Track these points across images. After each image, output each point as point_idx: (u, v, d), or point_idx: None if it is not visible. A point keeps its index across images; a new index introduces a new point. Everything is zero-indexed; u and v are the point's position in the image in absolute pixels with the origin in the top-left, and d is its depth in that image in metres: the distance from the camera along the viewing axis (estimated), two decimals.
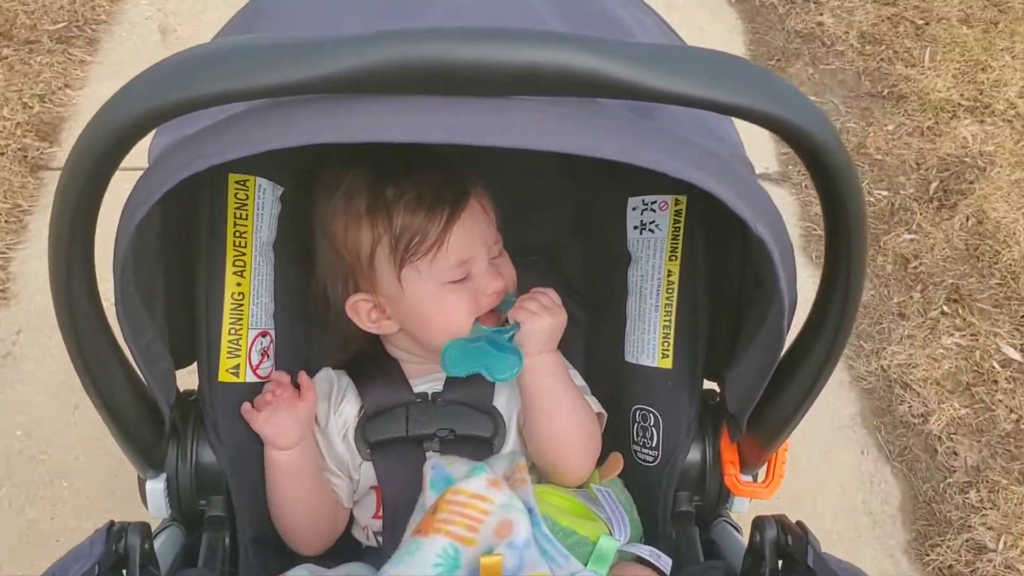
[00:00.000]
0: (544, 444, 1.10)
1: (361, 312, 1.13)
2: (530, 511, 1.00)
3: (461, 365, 1.07)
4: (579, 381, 1.18)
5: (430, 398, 1.13)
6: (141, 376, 0.94)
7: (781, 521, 0.99)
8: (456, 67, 0.65)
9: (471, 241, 1.07)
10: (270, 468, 1.09)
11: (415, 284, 1.07)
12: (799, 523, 0.97)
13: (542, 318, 1.06)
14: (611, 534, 1.04)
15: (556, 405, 1.08)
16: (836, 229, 0.80)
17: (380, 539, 1.12)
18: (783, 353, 0.92)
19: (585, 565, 0.98)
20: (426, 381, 1.15)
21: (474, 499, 0.96)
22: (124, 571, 0.93)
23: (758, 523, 1.00)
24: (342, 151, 1.09)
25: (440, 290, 1.07)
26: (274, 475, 1.09)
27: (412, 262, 1.06)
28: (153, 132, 0.89)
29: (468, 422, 1.12)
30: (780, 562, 0.99)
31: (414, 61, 0.65)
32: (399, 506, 1.08)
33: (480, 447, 1.10)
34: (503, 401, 1.14)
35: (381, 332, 1.14)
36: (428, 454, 1.08)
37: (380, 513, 1.12)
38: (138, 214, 0.74)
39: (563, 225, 1.28)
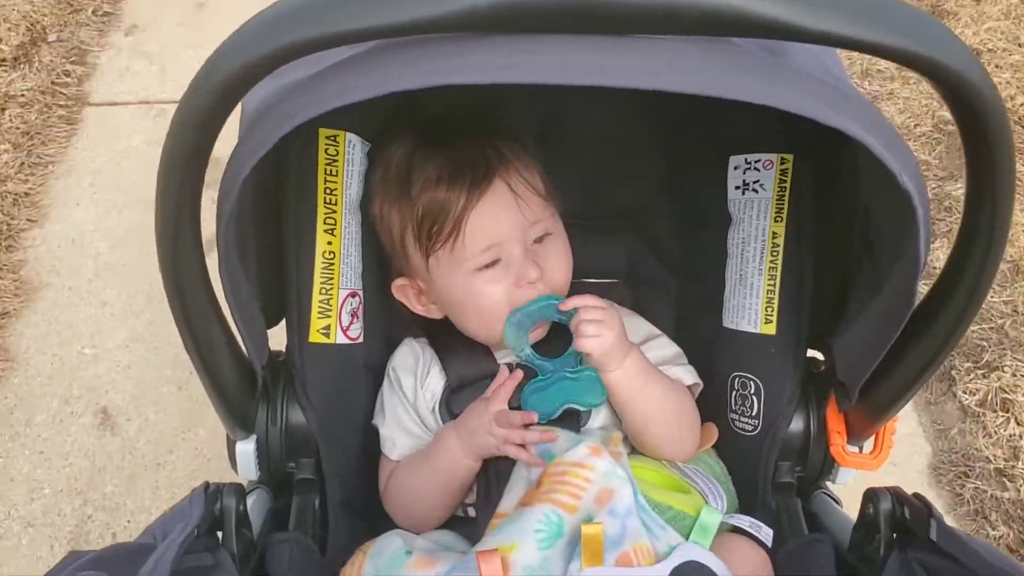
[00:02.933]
0: (645, 439, 1.06)
1: (408, 295, 1.11)
2: (631, 482, 0.97)
3: (547, 406, 1.03)
4: (672, 349, 1.14)
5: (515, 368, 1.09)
6: (237, 335, 0.92)
7: (896, 493, 0.95)
8: (595, 3, 0.61)
9: (494, 225, 1.00)
10: (456, 475, 1.04)
11: (441, 272, 1.04)
12: (917, 495, 0.93)
13: (604, 336, 0.99)
14: (709, 505, 1.00)
15: (648, 405, 1.04)
16: (981, 180, 0.75)
17: (469, 510, 1.09)
18: None
19: (685, 538, 0.95)
20: (510, 352, 1.11)
21: (576, 467, 0.94)
22: (219, 533, 0.92)
23: (871, 495, 0.95)
24: (409, 114, 1.06)
25: (468, 279, 1.03)
26: (454, 479, 1.04)
27: (435, 251, 1.02)
28: None
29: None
30: (894, 536, 0.94)
31: None
32: (492, 476, 1.05)
33: (569, 418, 1.06)
34: None
35: (430, 316, 1.11)
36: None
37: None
38: (249, 163, 0.71)
39: (653, 186, 1.24)
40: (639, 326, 1.16)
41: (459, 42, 0.65)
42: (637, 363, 1.02)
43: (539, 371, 1.04)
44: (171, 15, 3.13)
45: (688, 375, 1.11)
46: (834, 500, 1.13)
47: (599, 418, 1.08)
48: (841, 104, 0.69)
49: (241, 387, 0.97)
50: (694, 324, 1.20)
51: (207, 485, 0.91)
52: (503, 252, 1.02)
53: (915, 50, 0.65)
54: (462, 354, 1.12)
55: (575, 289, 1.14)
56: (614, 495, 0.92)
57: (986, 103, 0.69)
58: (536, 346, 1.06)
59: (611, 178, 1.24)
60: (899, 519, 0.93)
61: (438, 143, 1.02)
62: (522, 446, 0.99)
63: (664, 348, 1.14)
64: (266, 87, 0.80)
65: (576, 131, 1.21)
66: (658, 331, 1.17)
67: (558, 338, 1.05)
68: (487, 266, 1.02)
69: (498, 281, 1.03)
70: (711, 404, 1.13)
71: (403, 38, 0.66)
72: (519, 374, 1.04)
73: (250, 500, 1.06)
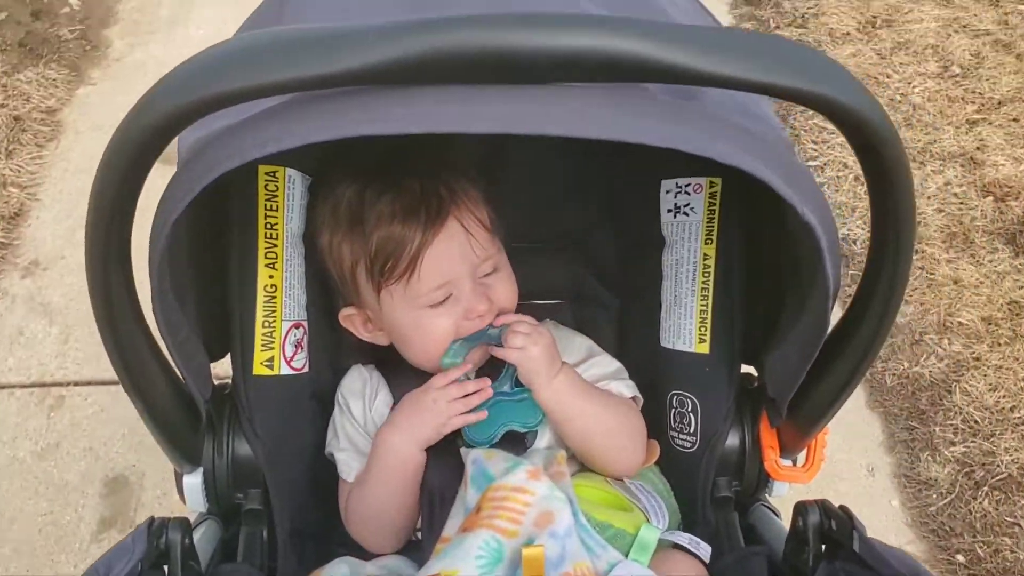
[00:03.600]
0: (591, 455, 1.09)
1: (355, 323, 1.13)
2: (570, 502, 0.99)
3: (487, 430, 1.06)
4: (613, 365, 1.17)
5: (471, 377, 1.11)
6: (177, 371, 0.94)
7: (824, 505, 0.98)
8: (499, 54, 0.63)
9: (448, 263, 1.03)
10: (406, 471, 1.06)
11: (393, 306, 1.06)
12: (843, 507, 0.96)
13: (529, 349, 1.02)
14: (649, 523, 1.03)
15: (586, 422, 1.06)
16: (883, 212, 0.78)
17: (419, 534, 1.11)
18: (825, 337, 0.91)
19: (625, 556, 0.98)
20: None
21: (515, 492, 0.96)
22: (165, 567, 0.93)
23: (800, 508, 0.99)
24: (348, 150, 1.08)
25: (418, 314, 1.05)
26: (405, 477, 1.06)
27: (387, 285, 1.04)
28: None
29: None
30: (823, 547, 0.98)
31: (456, 49, 0.63)
32: (435, 500, 1.07)
33: (513, 440, 1.09)
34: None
35: (377, 343, 1.13)
36: (462, 450, 1.06)
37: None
38: (177, 209, 0.73)
39: (593, 211, 1.27)
40: (580, 343, 1.19)
41: (377, 95, 0.68)
42: (568, 381, 1.05)
43: (445, 354, 1.07)
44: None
45: (627, 389, 1.14)
46: (773, 511, 1.16)
47: (544, 439, 1.10)
48: (744, 144, 0.72)
49: (184, 421, 0.99)
50: (634, 343, 1.23)
51: (151, 520, 0.92)
52: (454, 288, 1.05)
53: (809, 89, 0.68)
54: (409, 376, 1.13)
55: (522, 310, 1.17)
56: (554, 517, 0.95)
57: (882, 137, 0.72)
58: (476, 373, 1.08)
59: (554, 203, 1.27)
60: (826, 531, 0.97)
61: (387, 180, 1.04)
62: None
63: (605, 365, 1.16)
64: (196, 133, 0.82)
65: (520, 159, 1.24)
66: (599, 349, 1.19)
67: (496, 366, 1.08)
68: (439, 303, 1.05)
69: (448, 315, 1.06)
70: (652, 422, 1.16)
71: (323, 91, 0.69)
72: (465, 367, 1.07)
73: (199, 531, 1.07)
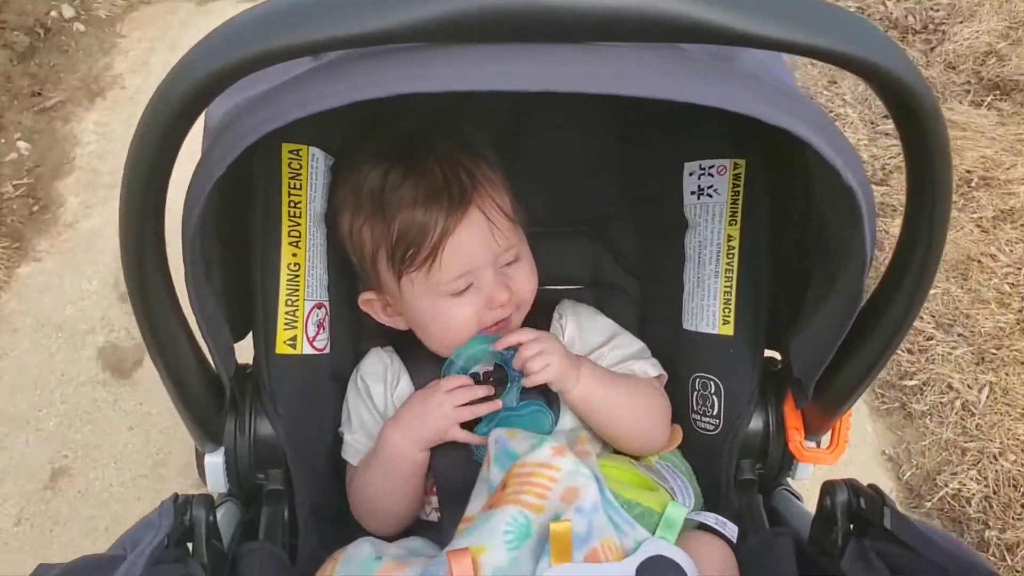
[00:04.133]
0: (618, 439, 1.10)
1: (375, 307, 1.13)
2: (596, 480, 0.99)
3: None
4: (636, 344, 1.18)
5: (481, 377, 1.11)
6: (204, 347, 0.93)
7: (852, 484, 0.98)
8: (540, 13, 0.63)
9: (469, 253, 1.03)
10: (404, 467, 1.06)
11: (413, 294, 1.06)
12: (872, 486, 0.96)
13: (552, 364, 1.02)
14: (676, 501, 1.02)
15: (612, 411, 1.07)
16: (920, 181, 0.78)
17: (434, 514, 1.11)
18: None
19: (652, 534, 0.97)
20: None
21: (541, 468, 0.95)
22: (189, 544, 0.93)
23: (828, 487, 0.98)
24: (371, 130, 1.08)
25: (438, 302, 1.05)
26: (404, 473, 1.06)
27: (408, 273, 1.04)
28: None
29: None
30: (851, 526, 0.97)
31: (499, 7, 0.63)
32: (453, 482, 1.07)
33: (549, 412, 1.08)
34: None
35: (396, 327, 1.14)
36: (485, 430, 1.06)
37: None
38: (215, 174, 0.72)
39: (613, 195, 1.26)
40: (603, 324, 1.19)
41: (416, 53, 0.67)
42: (592, 375, 1.05)
43: (469, 344, 1.07)
44: None
45: (652, 368, 1.14)
46: (795, 496, 1.16)
47: (567, 420, 1.10)
48: (787, 105, 0.72)
49: (208, 399, 0.98)
50: (655, 327, 1.23)
51: (176, 497, 0.92)
52: (475, 277, 1.05)
53: (852, 52, 0.68)
54: (428, 362, 1.13)
55: (541, 296, 1.17)
56: (580, 493, 0.94)
57: (921, 102, 0.72)
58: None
59: (573, 187, 1.27)
60: (855, 510, 0.96)
61: (410, 163, 1.04)
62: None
63: (628, 345, 1.17)
64: (227, 102, 0.82)
65: (538, 142, 1.24)
66: (621, 328, 1.20)
67: (501, 380, 1.08)
68: (461, 292, 1.05)
69: (469, 304, 1.06)
70: (674, 405, 1.16)
71: (362, 49, 0.68)
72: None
73: (220, 512, 1.06)
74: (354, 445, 1.12)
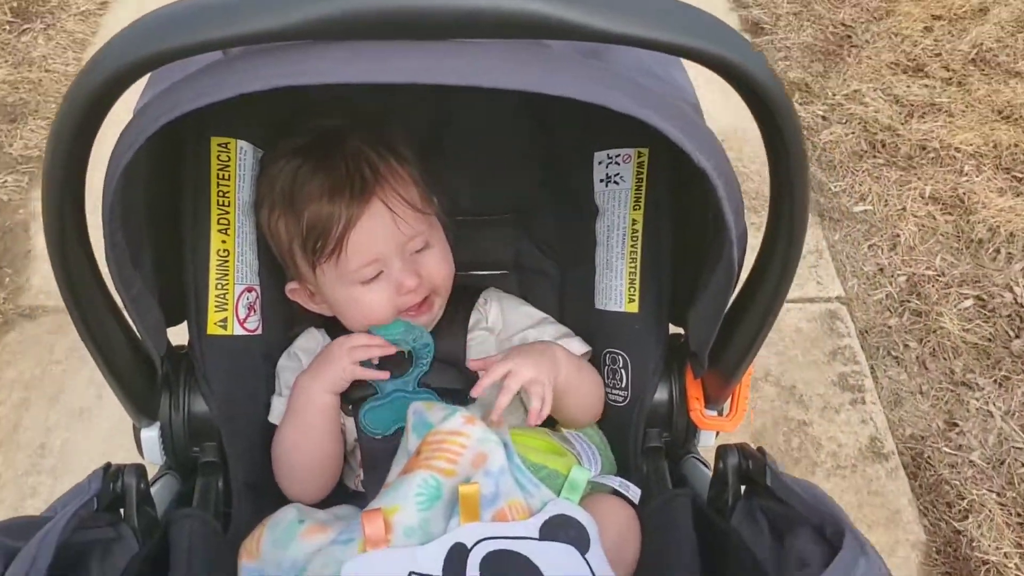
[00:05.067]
0: (575, 418, 1.19)
1: (301, 296, 1.19)
2: (505, 445, 1.06)
3: (384, 425, 1.14)
4: (560, 328, 1.25)
5: (406, 355, 1.17)
6: (134, 327, 1.00)
7: (742, 448, 1.05)
8: (406, 12, 0.70)
9: (373, 242, 1.08)
10: (311, 411, 1.12)
11: (328, 281, 1.12)
12: (759, 448, 1.03)
13: (534, 377, 1.07)
14: (581, 465, 1.10)
15: (579, 396, 1.16)
16: (778, 163, 0.85)
17: (360, 485, 1.18)
18: (737, 288, 0.98)
19: (558, 495, 1.04)
20: None
21: (452, 435, 1.03)
22: (122, 510, 0.99)
23: (721, 451, 1.06)
24: (292, 125, 1.15)
25: (351, 290, 1.11)
26: (314, 418, 1.13)
27: (320, 264, 1.10)
28: (141, 92, 0.96)
29: (442, 376, 1.18)
30: (743, 488, 1.05)
31: (367, 7, 0.70)
32: (378, 454, 1.14)
33: (455, 398, 1.15)
34: (473, 356, 1.20)
35: (324, 314, 1.20)
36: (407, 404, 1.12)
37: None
38: (123, 160, 0.79)
39: (535, 182, 1.33)
40: (528, 312, 1.26)
41: (301, 49, 0.74)
42: (567, 368, 1.12)
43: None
44: None
45: (580, 345, 1.22)
46: (703, 463, 1.23)
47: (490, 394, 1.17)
48: (642, 97, 0.79)
49: (141, 377, 1.05)
50: (573, 308, 1.30)
51: (108, 465, 0.98)
52: (384, 265, 1.11)
53: (698, 46, 0.75)
54: None
55: (467, 281, 1.24)
56: (487, 458, 1.01)
57: (770, 94, 0.79)
58: (383, 360, 1.15)
59: (496, 177, 1.33)
60: (745, 471, 1.04)
61: (318, 159, 1.10)
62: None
63: (555, 327, 1.25)
64: (152, 90, 0.89)
65: (461, 135, 1.30)
66: (544, 314, 1.27)
67: (401, 365, 1.16)
68: (371, 279, 1.11)
69: (381, 290, 1.12)
70: None
71: (254, 47, 0.75)
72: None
73: (158, 485, 1.13)
74: (278, 407, 1.19)
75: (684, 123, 0.80)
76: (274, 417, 1.18)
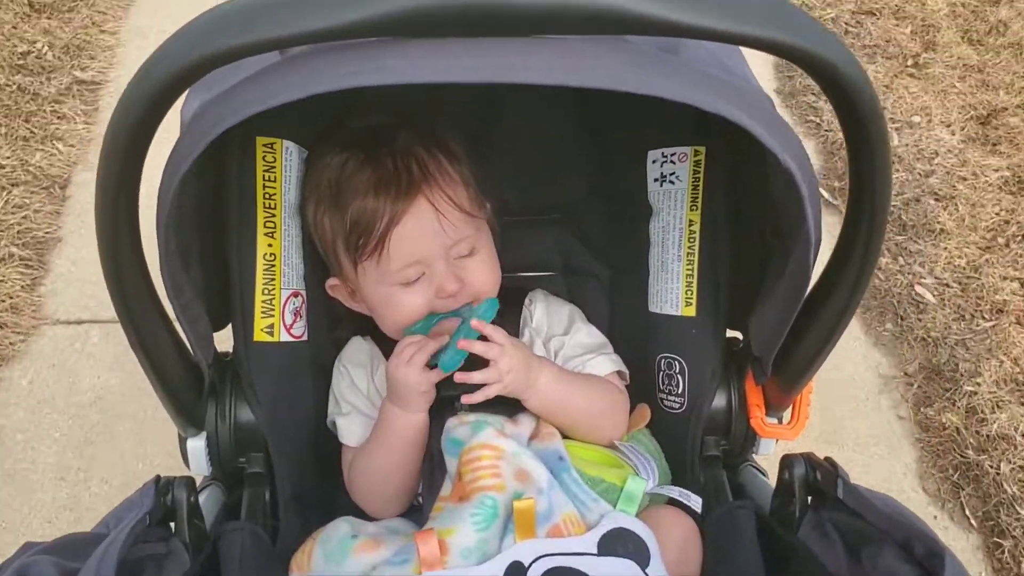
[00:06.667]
0: (572, 433, 1.11)
1: (342, 293, 1.16)
2: (560, 459, 1.03)
3: (451, 359, 1.05)
4: (596, 338, 1.20)
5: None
6: (182, 335, 0.97)
7: (809, 458, 1.01)
8: (486, 7, 0.67)
9: (416, 243, 1.04)
10: (397, 432, 1.08)
11: (368, 280, 1.08)
12: (828, 459, 1.00)
13: (497, 382, 1.03)
14: (637, 476, 1.06)
15: (570, 411, 1.09)
16: (860, 162, 0.82)
17: (420, 498, 1.14)
18: (807, 293, 0.94)
19: (614, 508, 1.01)
20: None
21: (483, 448, 1.00)
22: (172, 524, 0.96)
23: (786, 461, 1.02)
24: (342, 123, 1.11)
25: (390, 290, 1.08)
26: (399, 439, 1.08)
27: (362, 261, 1.07)
28: (185, 97, 0.93)
29: None
30: (810, 498, 1.01)
31: (446, 4, 0.67)
32: (435, 464, 1.10)
33: (508, 402, 1.11)
34: None
35: (364, 312, 1.16)
36: (458, 413, 1.09)
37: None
38: (182, 166, 0.76)
39: (583, 183, 1.30)
40: (566, 313, 1.22)
41: (371, 48, 0.71)
42: (550, 386, 1.07)
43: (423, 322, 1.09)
44: None
45: (610, 364, 1.17)
46: (760, 471, 1.20)
47: None
48: (725, 93, 0.76)
49: (188, 386, 1.02)
50: (625, 311, 1.27)
51: (158, 478, 0.95)
52: (427, 268, 1.07)
53: (794, 43, 0.72)
54: None
55: (515, 283, 1.21)
56: (531, 474, 0.98)
57: (860, 93, 0.76)
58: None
59: (545, 176, 1.31)
60: (811, 482, 1.00)
61: (366, 155, 1.07)
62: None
63: (587, 336, 1.19)
64: (202, 96, 0.86)
65: (511, 133, 1.27)
66: (583, 319, 1.23)
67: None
68: (413, 281, 1.07)
69: (420, 293, 1.07)
70: (643, 385, 1.20)
71: (322, 44, 0.72)
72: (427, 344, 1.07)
73: (203, 496, 1.10)
74: (349, 427, 1.15)
75: (770, 121, 0.77)
76: (349, 439, 1.15)
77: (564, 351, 1.17)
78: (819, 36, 0.73)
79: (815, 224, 0.84)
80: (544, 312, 1.21)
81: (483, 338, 1.04)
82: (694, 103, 0.72)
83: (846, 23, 3.10)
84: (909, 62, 2.97)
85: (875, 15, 3.15)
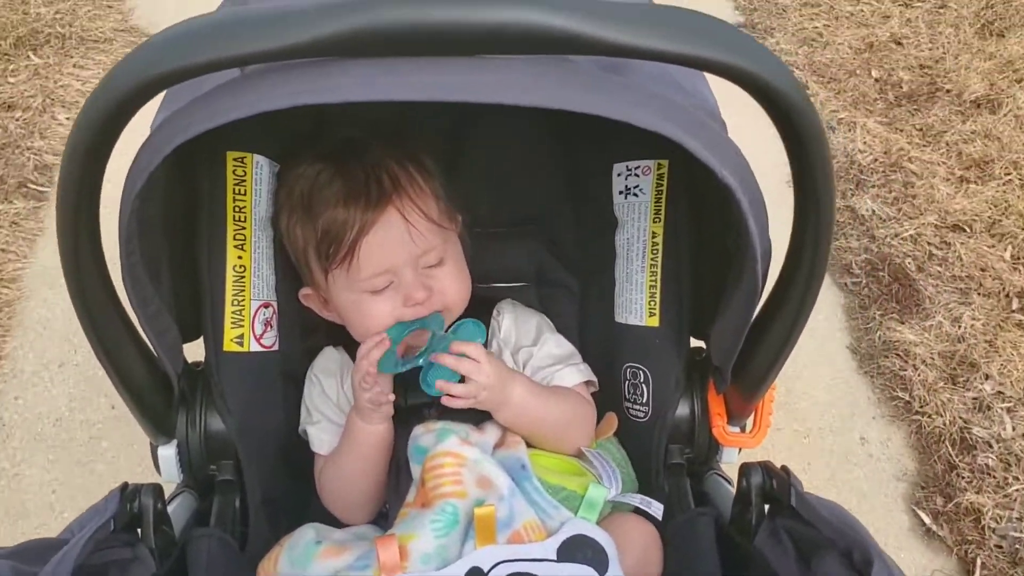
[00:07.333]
0: (539, 444, 1.12)
1: (314, 302, 1.17)
2: (523, 467, 1.05)
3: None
4: (564, 348, 1.21)
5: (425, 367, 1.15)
6: (150, 346, 0.99)
7: (766, 466, 1.03)
8: (430, 28, 0.69)
9: (385, 252, 1.06)
10: (361, 442, 1.10)
11: (338, 288, 1.10)
12: (783, 467, 1.01)
13: (474, 398, 1.04)
14: (599, 484, 1.08)
15: (538, 423, 1.10)
16: (803, 177, 0.83)
17: (387, 505, 1.16)
18: (761, 303, 0.96)
19: (575, 515, 1.03)
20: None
21: (446, 455, 1.02)
22: (139, 530, 0.98)
23: (744, 469, 1.04)
24: (314, 136, 1.13)
25: (359, 298, 1.09)
26: (364, 448, 1.10)
27: (332, 269, 1.08)
28: (157, 109, 0.95)
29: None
30: (767, 507, 1.03)
31: (390, 24, 0.69)
32: (401, 471, 1.12)
33: (475, 411, 1.12)
34: None
35: (337, 322, 1.17)
36: (426, 421, 1.11)
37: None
38: (138, 182, 0.78)
39: (555, 194, 1.32)
40: (535, 326, 1.24)
41: (323, 66, 0.73)
42: (522, 400, 1.08)
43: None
44: None
45: (577, 374, 1.18)
46: (725, 479, 1.21)
47: None
48: (663, 111, 0.77)
49: (156, 395, 1.04)
50: (593, 321, 1.28)
51: (125, 485, 0.98)
52: (395, 276, 1.08)
53: (722, 60, 0.73)
54: None
55: (486, 293, 1.22)
56: (492, 481, 1.00)
57: (793, 104, 0.77)
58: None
59: (517, 188, 1.32)
60: (768, 490, 1.02)
61: (339, 165, 1.09)
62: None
63: (556, 346, 1.21)
64: (168, 109, 0.88)
65: (481, 147, 1.29)
66: (552, 329, 1.24)
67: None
68: (381, 290, 1.08)
69: (388, 301, 1.09)
70: (609, 394, 1.22)
71: (275, 63, 0.74)
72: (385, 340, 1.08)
73: (175, 503, 1.12)
74: (319, 436, 1.17)
75: (708, 137, 0.79)
76: (320, 448, 1.17)
77: (532, 361, 1.19)
78: (759, 56, 0.74)
79: (760, 236, 0.85)
80: (512, 323, 1.22)
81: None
82: (630, 121, 0.74)
83: (929, 243, 2.36)
84: (1015, 304, 2.19)
85: (965, 231, 2.39)
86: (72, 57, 3.01)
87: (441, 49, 0.72)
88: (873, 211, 2.49)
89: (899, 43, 3.11)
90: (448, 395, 1.05)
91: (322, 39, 0.69)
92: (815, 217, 0.86)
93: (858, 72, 3.00)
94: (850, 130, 2.77)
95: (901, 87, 2.91)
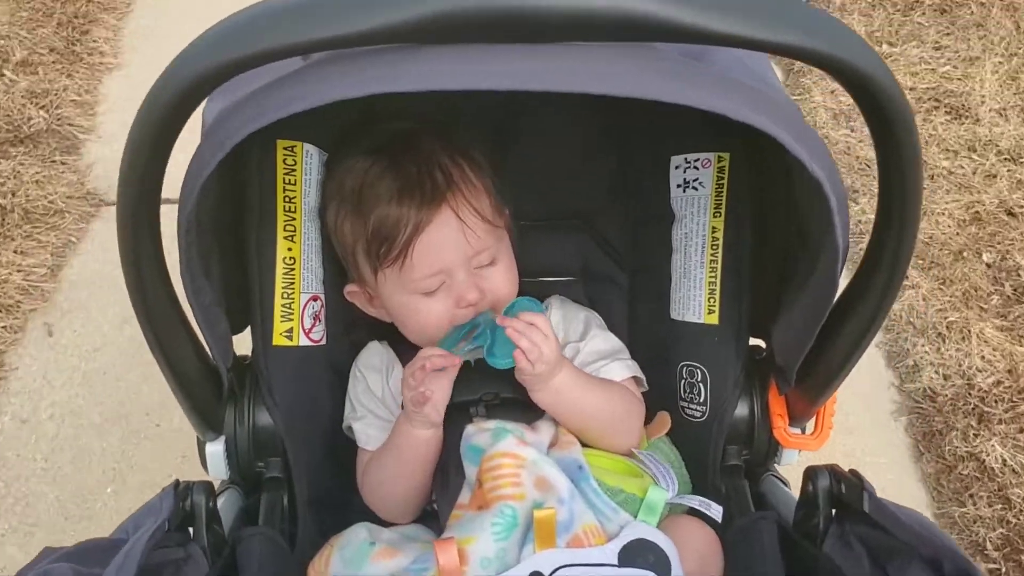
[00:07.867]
0: (587, 439, 1.09)
1: (360, 299, 1.15)
2: (580, 468, 1.02)
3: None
4: (611, 343, 1.18)
5: (473, 365, 1.11)
6: (201, 338, 0.97)
7: (834, 470, 1.00)
8: (514, 14, 0.66)
9: (440, 252, 1.04)
10: (407, 446, 1.07)
11: (388, 287, 1.07)
12: (853, 471, 0.98)
13: (536, 361, 1.01)
14: (657, 485, 1.05)
15: (583, 415, 1.07)
16: (890, 170, 0.80)
17: (435, 504, 1.13)
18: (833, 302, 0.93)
19: (635, 518, 1.00)
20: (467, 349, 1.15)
21: (504, 456, 0.99)
22: (191, 528, 0.96)
23: (811, 473, 1.01)
24: (363, 127, 1.10)
25: (411, 299, 1.07)
26: (409, 452, 1.07)
27: (383, 268, 1.05)
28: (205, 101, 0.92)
29: (512, 385, 1.11)
30: (833, 511, 1.00)
31: (471, 9, 0.66)
32: (450, 471, 1.09)
33: (526, 410, 1.10)
34: None
35: (383, 319, 1.15)
36: (475, 420, 1.08)
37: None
38: (204, 171, 0.75)
39: (604, 187, 1.28)
40: (583, 318, 1.21)
41: (393, 54, 0.70)
42: (567, 382, 1.05)
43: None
44: None
45: (626, 369, 1.15)
46: (782, 481, 1.18)
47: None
48: (753, 101, 0.74)
49: (207, 389, 1.02)
50: (644, 317, 1.25)
51: (177, 483, 0.95)
52: (448, 277, 1.06)
53: (824, 51, 0.70)
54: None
55: (533, 288, 1.19)
56: (551, 483, 0.97)
57: (891, 100, 0.74)
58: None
59: (566, 181, 1.29)
60: (836, 494, 0.99)
61: (390, 161, 1.06)
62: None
63: (603, 342, 1.18)
64: (223, 101, 0.85)
65: (530, 139, 1.26)
66: (601, 324, 1.21)
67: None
68: (433, 290, 1.06)
69: (441, 302, 1.06)
70: (663, 393, 1.19)
71: (344, 50, 0.71)
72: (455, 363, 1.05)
73: (222, 500, 1.10)
74: (366, 431, 1.14)
75: (797, 128, 0.76)
76: (366, 443, 1.14)
77: (579, 357, 1.16)
78: (852, 44, 0.71)
79: (843, 233, 0.82)
80: (561, 318, 1.19)
81: None
82: (722, 112, 0.71)
83: None
84: None
85: None
86: (14, 239, 2.25)
87: (520, 36, 0.69)
88: (1004, 460, 1.81)
89: (1011, 214, 2.34)
90: (518, 366, 1.01)
91: (396, 24, 0.66)
92: (900, 212, 0.83)
93: (965, 255, 2.25)
94: (964, 339, 2.03)
95: (1020, 275, 2.18)
